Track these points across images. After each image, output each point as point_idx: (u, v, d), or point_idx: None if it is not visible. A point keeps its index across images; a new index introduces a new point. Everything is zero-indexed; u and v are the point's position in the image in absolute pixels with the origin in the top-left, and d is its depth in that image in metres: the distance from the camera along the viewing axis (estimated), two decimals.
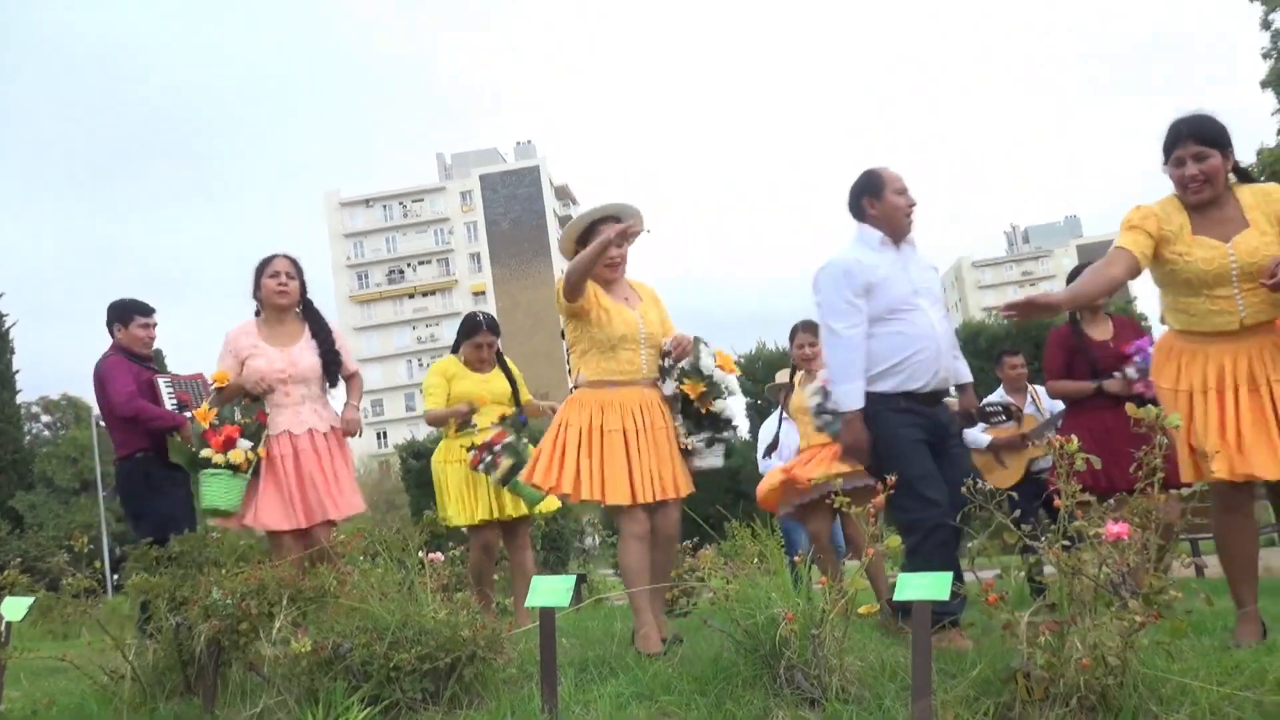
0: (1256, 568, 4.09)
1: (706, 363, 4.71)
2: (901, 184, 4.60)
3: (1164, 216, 4.03)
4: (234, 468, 5.17)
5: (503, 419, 5.97)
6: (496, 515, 6.08)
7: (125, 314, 6.24)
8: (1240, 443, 3.87)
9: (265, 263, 5.49)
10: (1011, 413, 6.57)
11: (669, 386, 4.68)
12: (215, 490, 5.18)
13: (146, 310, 6.30)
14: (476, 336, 6.39)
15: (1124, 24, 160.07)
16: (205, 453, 5.16)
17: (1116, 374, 5.79)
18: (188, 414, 5.89)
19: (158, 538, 5.59)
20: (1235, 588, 4.06)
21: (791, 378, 6.52)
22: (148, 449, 5.99)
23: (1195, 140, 3.97)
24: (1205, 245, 3.95)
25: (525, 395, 6.44)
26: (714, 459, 4.79)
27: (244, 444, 5.19)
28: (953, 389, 4.72)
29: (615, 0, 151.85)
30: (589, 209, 4.85)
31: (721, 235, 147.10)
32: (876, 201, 4.57)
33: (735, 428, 4.83)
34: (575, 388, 4.71)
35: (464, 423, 6.14)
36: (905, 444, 4.33)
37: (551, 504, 6.18)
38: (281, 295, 5.43)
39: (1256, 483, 4.01)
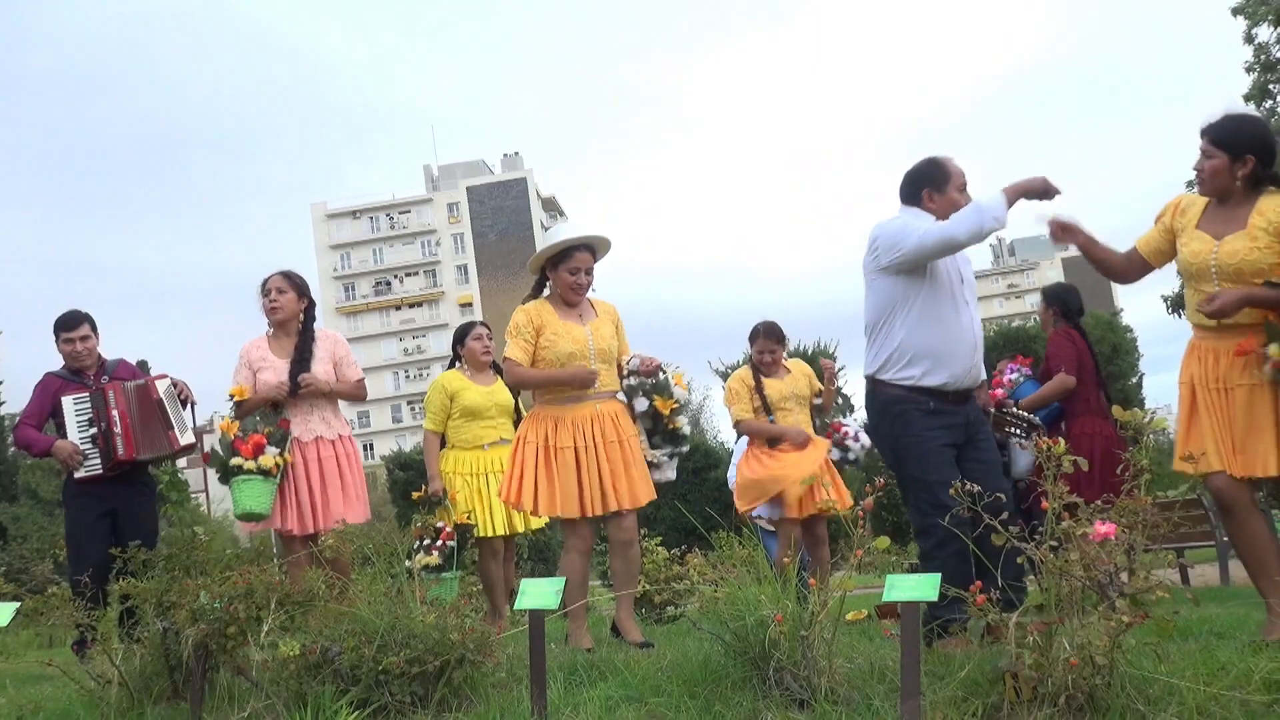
0: (1275, 561, 3.97)
1: (670, 384, 5.12)
2: (964, 180, 4.45)
3: (1183, 208, 4.22)
4: (265, 472, 5.33)
5: (458, 525, 5.99)
6: (502, 531, 6.14)
7: (54, 331, 6.21)
8: (1233, 441, 3.95)
9: (263, 283, 5.69)
10: (1031, 433, 6.51)
11: (641, 403, 5.02)
12: (249, 495, 5.33)
13: (68, 324, 6.18)
14: (474, 330, 6.51)
15: (1102, 44, 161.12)
16: (236, 460, 5.32)
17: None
18: (92, 430, 5.97)
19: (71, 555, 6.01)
20: (1256, 583, 4.03)
21: (757, 377, 6.52)
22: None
23: (1206, 138, 4.11)
24: (1199, 239, 4.08)
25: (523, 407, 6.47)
26: (671, 473, 5.14)
27: (272, 450, 5.37)
28: None
29: (604, 13, 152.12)
30: (560, 235, 5.00)
31: (703, 252, 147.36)
32: (937, 195, 4.41)
33: (687, 443, 5.29)
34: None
35: (436, 498, 6.15)
36: (930, 447, 4.26)
37: (537, 519, 6.21)
38: (272, 312, 5.64)
39: (1252, 481, 4.03)
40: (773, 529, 7.33)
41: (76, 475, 5.96)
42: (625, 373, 5.09)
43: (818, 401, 6.63)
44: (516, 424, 6.44)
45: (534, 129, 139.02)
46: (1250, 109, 21.43)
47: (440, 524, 5.96)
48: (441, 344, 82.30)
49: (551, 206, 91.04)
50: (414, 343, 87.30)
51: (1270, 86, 21.54)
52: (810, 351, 25.40)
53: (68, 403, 6.03)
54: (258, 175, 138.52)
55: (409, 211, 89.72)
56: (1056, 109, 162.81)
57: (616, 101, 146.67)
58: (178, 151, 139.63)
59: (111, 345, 6.36)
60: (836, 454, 6.71)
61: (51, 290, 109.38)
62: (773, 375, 6.53)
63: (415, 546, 5.80)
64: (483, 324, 6.62)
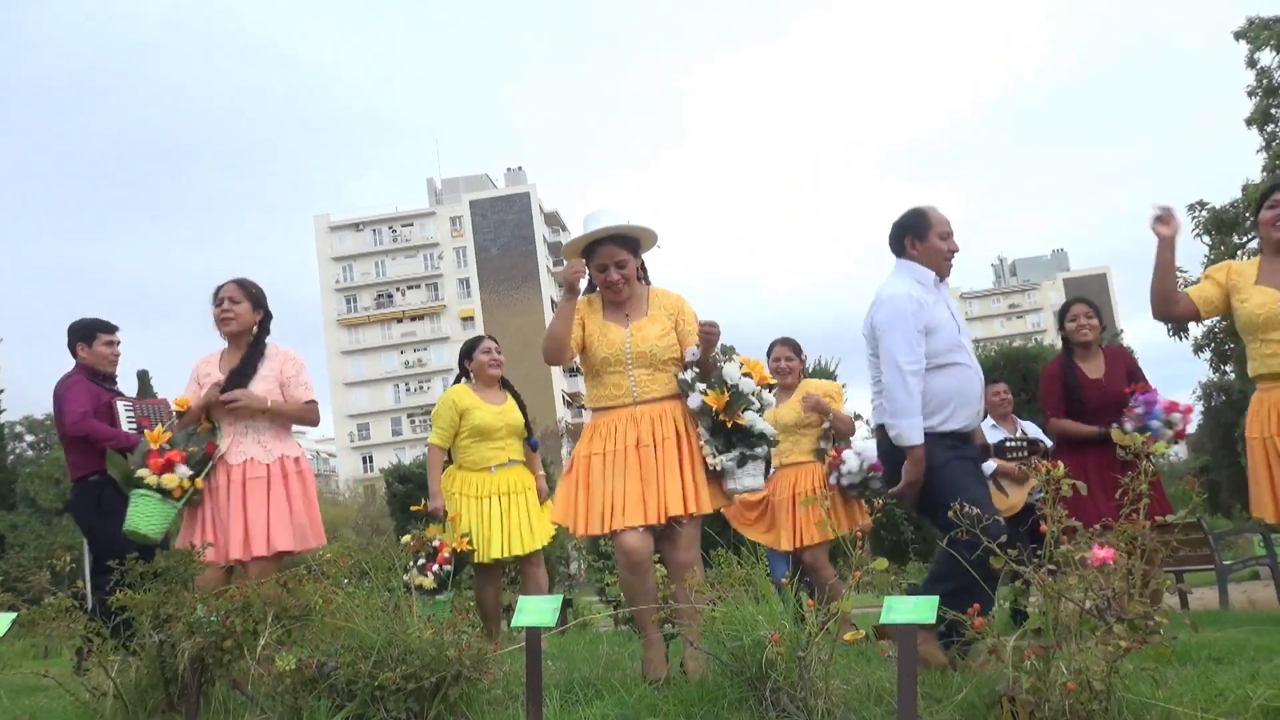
0: None
1: (730, 371, 4.39)
2: (947, 228, 4.55)
3: (1238, 270, 4.61)
4: (165, 492, 4.94)
5: (457, 552, 5.87)
6: (506, 554, 5.99)
7: (89, 332, 6.22)
8: None
9: (216, 291, 5.31)
10: (1036, 449, 6.40)
11: (694, 399, 4.38)
12: (140, 512, 4.96)
13: (110, 327, 6.28)
14: (482, 344, 6.34)
15: (1102, 63, 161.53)
16: (140, 472, 4.95)
17: (1125, 419, 5.79)
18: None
19: (103, 562, 5.61)
20: None
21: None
22: (102, 472, 5.95)
23: None
24: (1261, 292, 4.43)
25: (533, 426, 6.44)
26: (750, 479, 4.43)
27: (183, 470, 4.97)
28: None
29: (607, 28, 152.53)
30: (587, 227, 4.51)
31: (705, 267, 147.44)
32: (919, 243, 4.53)
33: (772, 442, 4.50)
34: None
35: (436, 514, 6.08)
36: (960, 471, 4.31)
37: (543, 537, 6.16)
38: (224, 322, 5.23)
39: None
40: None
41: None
42: (683, 366, 4.49)
43: (825, 425, 6.56)
44: (529, 440, 6.34)
45: (537, 143, 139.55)
46: (1253, 133, 21.53)
47: (435, 541, 5.86)
48: (443, 357, 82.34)
49: (554, 221, 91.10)
50: (415, 355, 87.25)
51: (1272, 111, 21.59)
52: (812, 369, 25.39)
53: (122, 406, 6.04)
54: (260, 186, 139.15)
55: (412, 224, 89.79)
56: (1055, 126, 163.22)
57: (619, 116, 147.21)
58: (179, 161, 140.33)
59: None
60: (833, 478, 6.62)
61: (48, 299, 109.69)
62: (785, 390, 6.53)
63: (409, 564, 5.75)
64: (490, 338, 6.43)
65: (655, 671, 4.21)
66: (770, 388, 4.70)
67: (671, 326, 4.50)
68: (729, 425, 4.36)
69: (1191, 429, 5.96)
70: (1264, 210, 4.62)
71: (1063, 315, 6.25)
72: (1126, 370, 6.02)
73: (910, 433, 4.32)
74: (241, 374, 5.16)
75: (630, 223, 4.48)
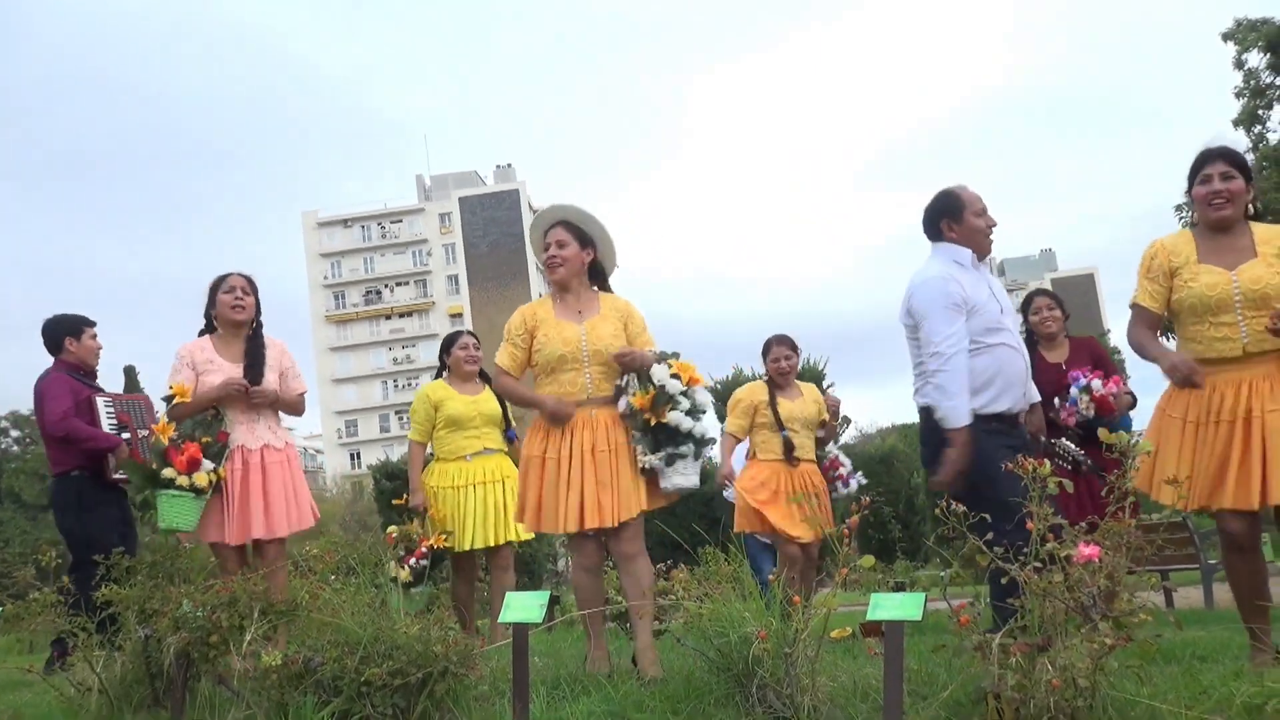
0: (1268, 600, 4.07)
1: (658, 372, 4.46)
2: (980, 204, 4.52)
3: (1171, 249, 4.24)
4: (197, 490, 4.95)
5: (441, 537, 5.98)
6: (480, 544, 6.09)
7: (76, 327, 6.25)
8: (1245, 473, 3.94)
9: (220, 279, 5.36)
10: (1080, 469, 6.26)
11: (622, 403, 4.51)
12: (175, 512, 4.95)
13: (90, 321, 6.34)
14: (460, 339, 6.45)
15: (1089, 67, 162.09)
16: (167, 473, 4.91)
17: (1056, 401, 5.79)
18: (125, 435, 6.00)
19: (83, 557, 5.74)
20: (1247, 622, 4.05)
21: (772, 393, 6.50)
22: (83, 468, 6.05)
23: (1225, 161, 4.18)
24: (1210, 272, 4.12)
25: (512, 417, 6.49)
26: (683, 478, 4.47)
27: (207, 465, 4.99)
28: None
29: (600, 27, 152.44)
30: (542, 211, 4.77)
31: (693, 265, 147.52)
32: (956, 224, 4.49)
33: (698, 441, 4.49)
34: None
35: (416, 509, 6.16)
36: (1000, 467, 4.07)
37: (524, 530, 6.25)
38: (237, 311, 5.28)
39: (1263, 518, 4.06)
40: (767, 542, 7.32)
41: (113, 477, 6.01)
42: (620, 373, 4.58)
43: (820, 434, 6.62)
44: (506, 431, 6.43)
45: (527, 141, 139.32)
46: (1240, 134, 21.56)
47: (416, 535, 5.94)
48: (431, 354, 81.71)
49: None
50: (403, 352, 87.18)
51: (1260, 112, 21.65)
52: (801, 368, 25.43)
53: (101, 404, 6.06)
54: (248, 182, 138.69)
55: (400, 221, 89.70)
56: (1044, 126, 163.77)
57: (610, 114, 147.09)
58: (166, 157, 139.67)
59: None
60: (843, 489, 6.73)
61: (33, 295, 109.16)
62: (787, 387, 6.54)
63: (388, 557, 5.82)
64: (469, 333, 6.56)
65: (600, 667, 4.39)
66: (710, 389, 4.72)
67: (622, 328, 4.64)
68: (653, 424, 4.45)
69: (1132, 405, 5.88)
70: (1197, 186, 4.23)
71: (1025, 308, 6.21)
72: (1092, 359, 5.96)
73: (954, 415, 4.24)
74: (254, 367, 5.26)
75: (583, 213, 4.67)
